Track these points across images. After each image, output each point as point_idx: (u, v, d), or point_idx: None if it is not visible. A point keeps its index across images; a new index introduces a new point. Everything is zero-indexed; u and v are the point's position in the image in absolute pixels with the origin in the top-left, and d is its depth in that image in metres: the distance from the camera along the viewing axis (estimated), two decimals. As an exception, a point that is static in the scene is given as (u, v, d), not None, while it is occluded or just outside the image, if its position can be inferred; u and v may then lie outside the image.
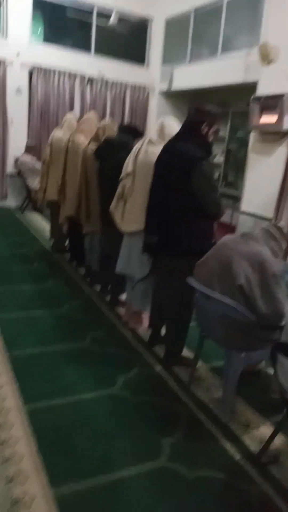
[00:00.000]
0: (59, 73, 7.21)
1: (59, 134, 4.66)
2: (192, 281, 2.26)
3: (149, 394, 2.44)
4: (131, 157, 2.97)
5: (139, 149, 2.95)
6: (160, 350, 2.89)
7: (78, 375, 2.56)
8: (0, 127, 7.00)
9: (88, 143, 3.73)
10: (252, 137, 5.78)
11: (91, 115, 4.27)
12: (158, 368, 2.72)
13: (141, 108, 7.99)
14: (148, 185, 2.82)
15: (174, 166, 2.44)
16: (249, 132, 5.94)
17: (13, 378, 2.43)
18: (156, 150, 2.81)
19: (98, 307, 3.57)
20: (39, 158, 7.11)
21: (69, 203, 4.23)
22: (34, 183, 6.88)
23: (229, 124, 7.32)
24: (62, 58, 7.20)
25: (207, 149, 2.44)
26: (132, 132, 3.36)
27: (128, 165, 2.96)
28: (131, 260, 3.06)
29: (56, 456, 1.91)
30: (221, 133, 7.47)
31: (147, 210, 2.70)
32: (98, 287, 3.92)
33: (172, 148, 2.51)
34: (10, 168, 7.26)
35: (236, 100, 7.34)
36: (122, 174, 3.03)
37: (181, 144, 2.45)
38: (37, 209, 7.10)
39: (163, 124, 2.90)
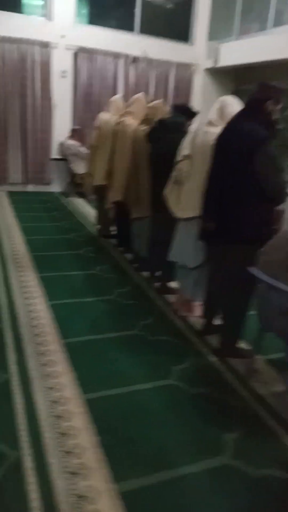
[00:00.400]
0: (104, 53, 7.09)
1: (106, 116, 4.58)
2: (254, 271, 2.14)
3: (205, 386, 2.37)
4: (188, 139, 2.85)
5: (197, 130, 2.82)
6: (213, 340, 2.80)
7: (132, 363, 2.52)
8: (46, 112, 7.00)
9: (138, 125, 3.62)
10: None
11: (140, 97, 4.15)
12: (213, 359, 2.63)
13: (185, 87, 7.76)
14: (207, 168, 2.70)
15: (237, 147, 2.30)
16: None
17: (70, 367, 2.42)
18: (216, 131, 2.66)
19: (147, 294, 3.51)
20: (83, 142, 7.11)
21: (116, 187, 4.17)
22: (79, 167, 6.89)
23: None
24: (106, 38, 7.07)
25: (272, 128, 2.28)
26: (186, 112, 3.22)
27: (185, 147, 2.84)
28: (185, 248, 2.97)
29: (117, 449, 1.89)
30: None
31: (205, 195, 2.58)
32: (146, 274, 3.86)
33: (234, 128, 2.37)
34: (54, 152, 7.29)
35: (285, 77, 6.97)
36: (178, 157, 2.91)
37: (244, 123, 2.30)
38: (81, 194, 7.10)
39: (224, 103, 2.74)
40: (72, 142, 6.91)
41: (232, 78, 7.91)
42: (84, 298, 3.34)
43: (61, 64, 6.96)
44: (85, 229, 5.27)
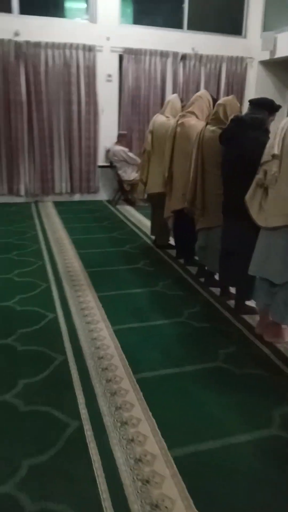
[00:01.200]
0: (151, 53, 6.75)
1: (161, 119, 4.21)
2: None
3: None
4: (276, 137, 2.42)
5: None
6: (313, 374, 2.35)
7: (223, 406, 2.10)
8: (91, 117, 6.74)
9: (206, 125, 3.22)
10: None
11: (202, 94, 3.76)
12: None
13: (238, 82, 7.28)
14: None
15: None
16: None
17: (148, 412, 2.04)
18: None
19: (222, 314, 3.09)
20: (131, 147, 6.79)
21: (178, 195, 3.79)
22: (128, 174, 6.58)
23: None
24: (153, 37, 6.73)
25: None
26: (267, 107, 2.78)
27: (273, 146, 2.41)
28: (271, 261, 2.53)
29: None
30: None
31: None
32: (215, 290, 3.44)
33: None
34: (100, 159, 7.01)
35: None
36: (264, 157, 2.49)
37: None
38: (131, 202, 6.79)
39: None
40: (119, 147, 6.61)
41: (285, 70, 7.34)
42: (151, 321, 2.96)
43: (107, 67, 6.68)
44: (139, 239, 4.92)
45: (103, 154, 7.00)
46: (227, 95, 7.23)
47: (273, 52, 6.85)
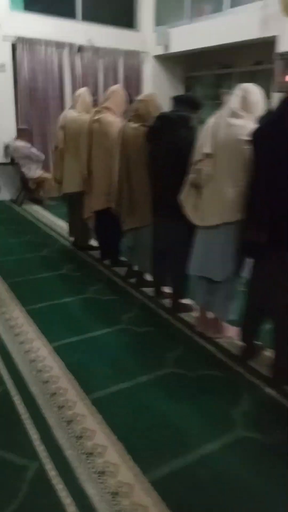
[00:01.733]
0: (46, 43, 6.39)
1: (72, 114, 3.99)
2: None
3: (281, 433, 1.96)
4: (206, 135, 2.40)
5: (217, 124, 2.37)
6: (257, 364, 2.42)
7: (186, 416, 2.05)
8: (-15, 111, 6.18)
9: (127, 122, 3.10)
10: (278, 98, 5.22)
11: (116, 89, 3.62)
12: (270, 391, 2.23)
13: (135, 75, 7.27)
14: (234, 167, 2.28)
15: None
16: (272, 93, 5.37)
17: (112, 435, 1.90)
18: (243, 123, 2.25)
19: (160, 315, 3.04)
20: (33, 143, 6.39)
21: (98, 194, 3.64)
22: (31, 171, 6.20)
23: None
24: (47, 26, 6.37)
25: None
26: (190, 103, 2.75)
27: (205, 144, 2.38)
28: (209, 259, 2.53)
29: None
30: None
31: (252, 200, 2.15)
32: (147, 290, 3.38)
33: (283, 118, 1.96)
34: (0, 156, 6.49)
35: (241, 61, 6.75)
36: (196, 157, 2.45)
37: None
38: (38, 201, 6.41)
39: (246, 91, 2.32)
40: (21, 143, 6.16)
41: (183, 64, 7.54)
42: (91, 332, 2.78)
43: (-2, 56, 6.17)
44: (56, 242, 4.65)
45: (2, 151, 6.49)
46: (127, 89, 7.22)
47: (167, 46, 6.95)
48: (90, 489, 1.63)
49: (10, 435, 1.90)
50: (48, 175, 6.36)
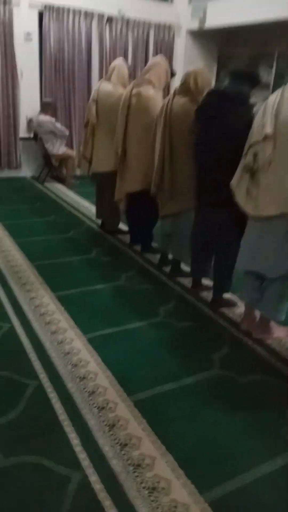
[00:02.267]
0: (74, 12, 6.04)
1: (107, 87, 3.71)
2: None
3: None
4: (266, 115, 2.13)
5: (280, 102, 2.11)
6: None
7: (236, 426, 1.86)
8: (9, 82, 5.89)
9: (173, 97, 2.83)
10: None
11: (158, 60, 3.33)
12: None
13: (166, 50, 6.86)
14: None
15: None
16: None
17: (161, 442, 1.71)
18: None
19: (200, 309, 2.83)
20: (56, 118, 6.11)
21: (133, 175, 3.39)
22: (55, 147, 5.94)
23: (274, 68, 6.36)
24: (76, -7, 6.02)
25: None
26: (250, 79, 2.48)
27: (265, 124, 2.13)
28: (263, 253, 2.30)
29: None
30: (264, 79, 6.54)
31: None
32: (184, 280, 3.17)
33: None
34: (22, 130, 6.23)
35: (281, 40, 6.35)
36: (254, 138, 2.20)
37: None
38: (60, 179, 6.17)
39: None
40: (45, 117, 5.88)
41: (218, 41, 7.14)
42: (127, 324, 2.59)
43: (25, 25, 5.84)
44: (82, 223, 4.43)
45: (25, 125, 6.23)
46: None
47: (202, 21, 6.56)
48: (142, 508, 1.45)
49: (48, 439, 1.72)
50: (72, 152, 6.12)
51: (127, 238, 3.92)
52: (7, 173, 6.25)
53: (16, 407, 1.87)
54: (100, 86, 3.77)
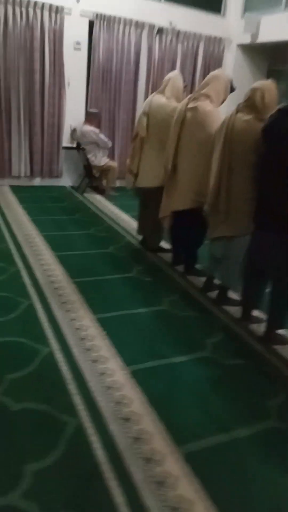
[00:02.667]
0: (125, 22, 5.97)
1: (160, 99, 3.57)
2: None
3: None
4: None
5: None
6: None
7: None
8: (56, 91, 5.86)
9: (236, 113, 2.63)
10: None
11: (218, 74, 3.16)
12: None
13: (215, 64, 6.70)
14: None
15: None
16: None
17: (209, 497, 1.50)
18: None
19: (250, 345, 2.59)
20: (101, 128, 6.03)
21: (183, 193, 3.21)
22: (97, 159, 5.85)
23: None
24: (128, 4, 5.94)
25: None
26: None
27: None
28: None
29: None
30: None
31: None
32: (232, 308, 2.94)
33: None
34: (65, 140, 6.18)
35: None
36: None
37: None
38: (100, 191, 6.07)
39: None
40: (89, 128, 5.81)
41: (267, 56, 6.93)
42: (171, 357, 2.38)
43: (75, 33, 5.81)
44: (122, 238, 4.27)
45: (68, 134, 6.18)
46: (203, 77, 6.72)
47: (254, 35, 6.37)
48: None
49: (89, 494, 1.53)
50: (114, 164, 6.01)
51: (168, 257, 3.73)
52: (47, 182, 6.20)
53: (55, 450, 1.69)
54: (152, 98, 3.62)
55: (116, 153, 6.42)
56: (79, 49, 5.91)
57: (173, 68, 6.44)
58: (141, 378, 2.16)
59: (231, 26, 6.66)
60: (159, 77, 6.41)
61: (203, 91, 3.08)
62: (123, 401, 1.98)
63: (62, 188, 6.21)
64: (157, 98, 3.58)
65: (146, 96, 6.36)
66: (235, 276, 2.86)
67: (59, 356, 2.27)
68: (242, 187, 2.63)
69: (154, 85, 6.34)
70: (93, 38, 5.92)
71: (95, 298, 2.94)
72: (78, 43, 5.87)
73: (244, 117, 2.57)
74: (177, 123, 3.16)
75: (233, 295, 3.04)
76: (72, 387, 2.05)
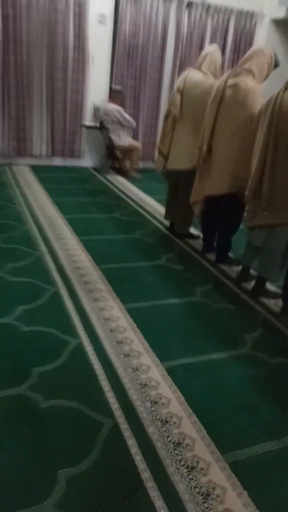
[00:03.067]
0: (153, -6, 5.67)
1: (196, 75, 3.34)
2: None
3: None
4: None
5: None
6: None
7: None
8: (80, 67, 5.62)
9: (284, 91, 2.40)
10: None
11: (264, 48, 2.91)
12: None
13: (246, 39, 6.36)
14: None
15: None
16: None
17: None
18: None
19: (291, 340, 2.42)
20: (124, 107, 5.79)
21: (220, 177, 3.01)
22: (121, 139, 5.65)
23: None
24: (157, -26, 5.63)
25: None
26: None
27: None
28: None
29: None
30: None
31: None
32: (267, 301, 2.77)
33: None
34: (88, 118, 5.97)
35: None
36: None
37: None
38: (122, 172, 5.87)
39: None
40: (113, 106, 5.59)
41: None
42: (209, 353, 2.21)
43: (100, 6, 5.53)
44: (149, 223, 4.09)
45: (91, 113, 5.96)
46: (234, 53, 6.40)
47: (289, 9, 5.99)
48: None
49: (131, 503, 1.40)
50: (138, 144, 5.80)
51: (197, 244, 3.55)
52: (69, 162, 6.03)
53: (90, 454, 1.56)
54: (188, 74, 3.39)
55: (140, 133, 6.19)
56: (104, 23, 5.63)
57: (202, 43, 6.15)
58: (178, 376, 2.01)
59: (265, 0, 6.28)
60: (187, 53, 6.13)
61: (245, 66, 2.84)
62: (160, 401, 1.84)
63: (84, 169, 6.03)
64: (193, 74, 3.34)
65: (173, 73, 6.10)
66: (275, 267, 2.68)
67: (89, 349, 2.13)
68: (287, 173, 2.42)
69: (182, 62, 6.06)
70: (120, 11, 5.63)
71: (123, 286, 2.78)
72: (103, 15, 5.59)
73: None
74: (215, 102, 2.94)
75: (271, 287, 2.86)
76: (105, 383, 1.91)
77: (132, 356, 2.11)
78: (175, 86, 3.46)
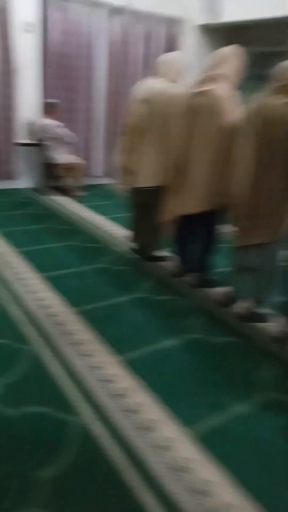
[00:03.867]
0: (81, 1, 5.29)
1: (159, 84, 3.02)
2: None
3: None
4: None
5: None
6: None
7: None
8: (6, 80, 5.07)
9: (267, 98, 2.16)
10: None
11: (235, 51, 2.66)
12: None
13: (171, 46, 6.18)
14: None
15: None
16: None
17: None
18: None
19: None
20: (61, 121, 5.34)
21: (197, 194, 2.74)
22: (61, 156, 5.18)
23: None
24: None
25: None
26: None
27: None
28: None
29: None
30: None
31: None
32: (266, 326, 2.53)
33: None
34: (20, 136, 5.42)
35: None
36: None
37: None
38: (64, 191, 5.38)
39: None
40: (50, 121, 5.11)
41: (226, 37, 6.53)
42: (231, 405, 1.89)
43: (25, 14, 5.05)
44: (112, 248, 3.69)
45: (25, 129, 5.42)
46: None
47: (214, 16, 5.94)
48: None
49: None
50: (79, 161, 5.37)
51: (168, 266, 3.25)
52: (6, 184, 5.43)
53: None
54: (150, 83, 3.05)
55: (81, 148, 5.77)
56: (30, 30, 5.15)
57: (136, 52, 5.89)
58: (211, 443, 1.66)
59: (190, 5, 6.17)
60: (122, 62, 5.83)
61: (217, 71, 2.59)
62: (206, 489, 1.48)
63: (24, 190, 5.46)
64: (156, 83, 3.02)
65: (110, 82, 5.79)
66: (269, 291, 2.45)
67: (96, 427, 1.71)
68: (277, 184, 2.20)
69: (117, 71, 5.76)
70: (47, 18, 5.18)
71: (111, 332, 2.38)
72: (29, 24, 5.11)
73: (279, 101, 2.12)
74: (184, 111, 2.65)
75: (262, 309, 2.62)
76: (131, 477, 1.51)
77: (152, 428, 1.72)
78: (137, 96, 3.12)
